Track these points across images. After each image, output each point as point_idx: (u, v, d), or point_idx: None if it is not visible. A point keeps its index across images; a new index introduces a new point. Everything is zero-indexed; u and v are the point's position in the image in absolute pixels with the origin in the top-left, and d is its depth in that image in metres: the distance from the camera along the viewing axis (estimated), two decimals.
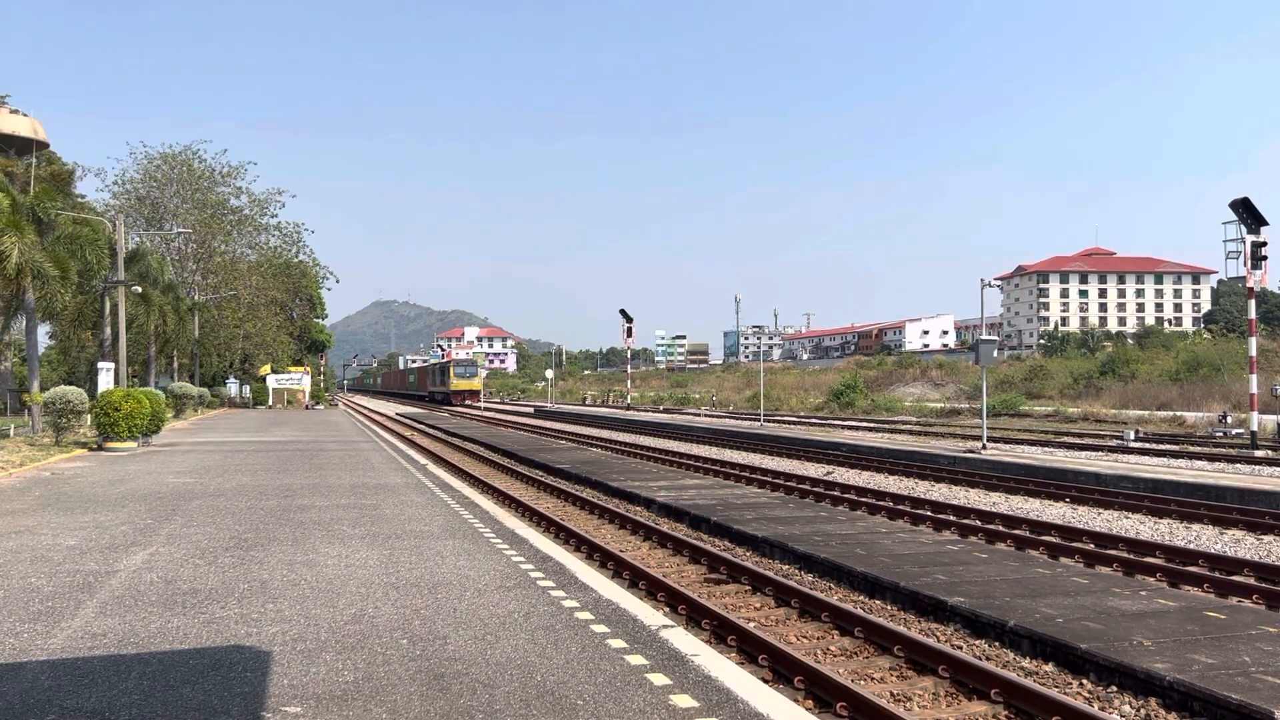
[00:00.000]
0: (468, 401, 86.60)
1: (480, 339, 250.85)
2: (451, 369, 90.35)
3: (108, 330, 38.94)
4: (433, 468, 20.70)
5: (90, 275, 36.98)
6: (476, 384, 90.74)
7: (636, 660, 6.11)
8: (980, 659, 7.59)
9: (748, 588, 10.58)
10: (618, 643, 6.52)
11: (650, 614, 7.48)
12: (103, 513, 12.78)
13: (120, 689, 5.46)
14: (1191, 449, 27.19)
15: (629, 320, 67.34)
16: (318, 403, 72.29)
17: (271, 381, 68.46)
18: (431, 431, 42.46)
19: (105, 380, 33.00)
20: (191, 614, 7.23)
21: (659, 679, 5.73)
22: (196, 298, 60.06)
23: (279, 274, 68.18)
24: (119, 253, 37.71)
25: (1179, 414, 42.28)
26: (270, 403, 67.05)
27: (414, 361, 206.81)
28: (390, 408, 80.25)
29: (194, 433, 33.62)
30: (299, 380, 70.04)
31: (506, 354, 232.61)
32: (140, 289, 41.75)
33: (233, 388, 68.87)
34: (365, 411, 67.10)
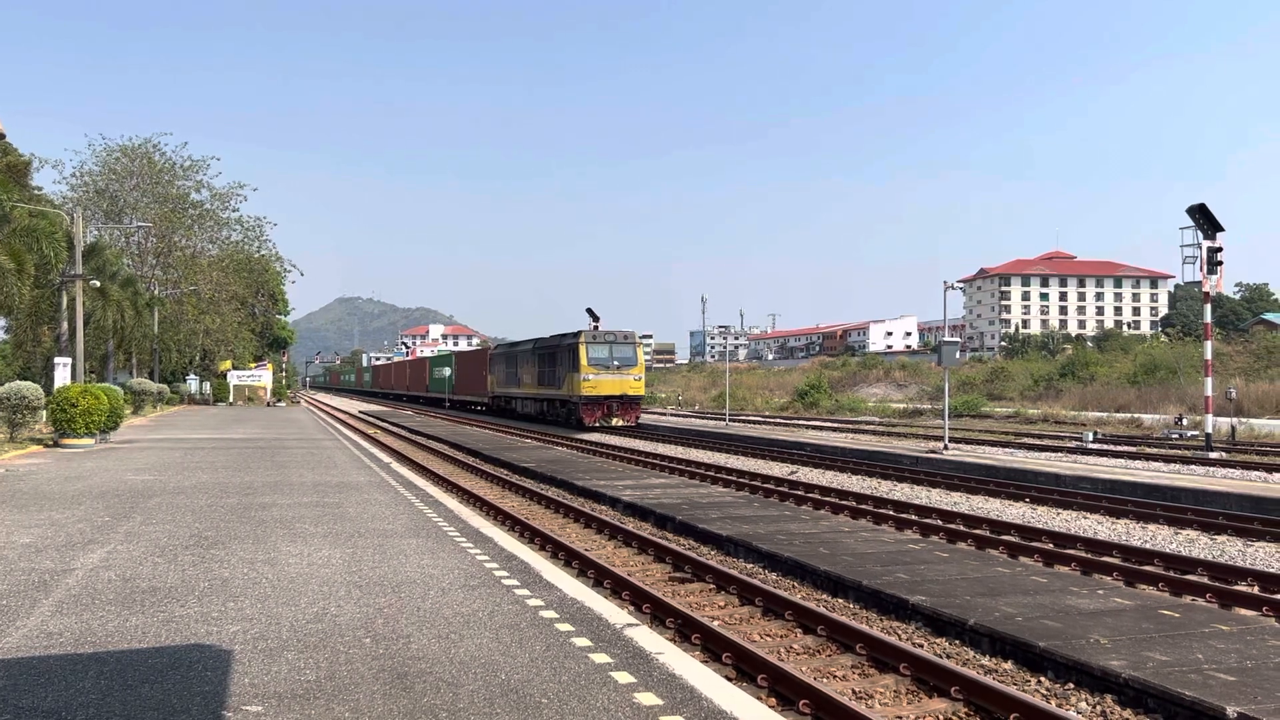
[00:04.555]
0: (616, 420, 41.13)
1: (445, 337, 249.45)
2: (583, 349, 41.00)
3: (64, 325, 38.28)
4: (396, 466, 20.57)
5: (47, 269, 36.33)
6: (633, 382, 41.63)
7: (601, 659, 6.12)
8: (941, 657, 7.67)
9: (712, 586, 10.62)
10: (582, 641, 6.52)
11: (615, 612, 7.49)
12: (59, 510, 12.57)
13: (77, 688, 5.38)
14: (1148, 450, 27.63)
15: (596, 319, 67.01)
16: (280, 400, 71.59)
17: (232, 378, 67.67)
18: (396, 429, 42.19)
19: (62, 376, 32.46)
20: (150, 613, 7.14)
21: (623, 677, 5.75)
22: (156, 293, 59.20)
23: (240, 269, 67.36)
24: (77, 246, 37.11)
25: (1137, 416, 42.93)
26: (231, 400, 66.29)
27: (378, 359, 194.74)
28: (356, 405, 79.37)
29: (153, 429, 33.15)
30: (260, 377, 69.28)
31: None
32: (99, 283, 41.11)
33: (193, 384, 67.93)
34: (330, 410, 66.53)
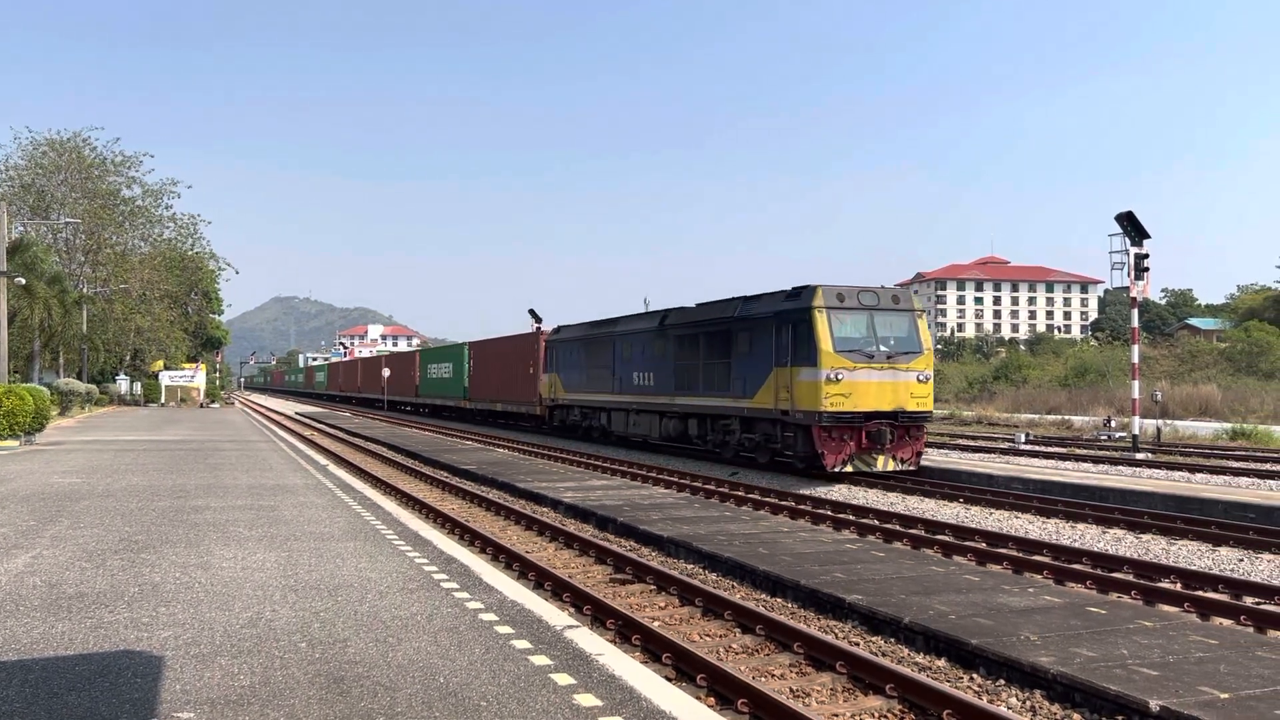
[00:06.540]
0: (884, 459, 20.75)
1: (384, 337, 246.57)
2: (821, 320, 20.31)
3: None
4: (333, 468, 20.31)
5: None
6: (918, 386, 20.88)
7: (541, 661, 6.12)
8: (876, 655, 7.79)
9: (653, 587, 10.65)
10: (522, 643, 6.51)
11: (555, 614, 7.49)
12: None
13: (1, 697, 5.24)
14: (1078, 451, 28.30)
15: (538, 320, 66.81)
16: (213, 401, 70.20)
17: (164, 379, 66.25)
18: (332, 431, 41.62)
19: None
20: (78, 618, 6.97)
21: (563, 679, 5.75)
22: (85, 290, 57.65)
23: (173, 266, 65.93)
24: (0, 242, 36.01)
25: (1067, 418, 43.97)
26: (163, 400, 64.86)
27: (314, 360, 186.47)
28: (291, 405, 77.95)
29: (81, 431, 32.30)
30: (194, 377, 67.90)
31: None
32: (24, 281, 39.93)
33: (123, 385, 66.30)
34: (265, 412, 65.40)
